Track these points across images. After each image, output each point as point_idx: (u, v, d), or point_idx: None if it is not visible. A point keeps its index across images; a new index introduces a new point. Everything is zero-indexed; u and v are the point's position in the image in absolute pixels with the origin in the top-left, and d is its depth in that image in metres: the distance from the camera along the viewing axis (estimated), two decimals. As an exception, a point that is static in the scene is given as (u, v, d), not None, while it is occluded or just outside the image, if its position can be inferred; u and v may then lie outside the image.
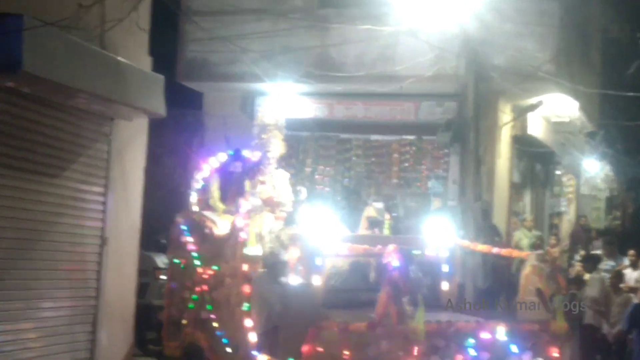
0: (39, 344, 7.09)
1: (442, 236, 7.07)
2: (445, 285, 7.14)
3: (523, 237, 13.54)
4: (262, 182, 7.50)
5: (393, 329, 5.71)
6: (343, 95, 12.84)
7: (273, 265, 6.92)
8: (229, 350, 6.93)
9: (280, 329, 6.57)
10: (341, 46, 12.40)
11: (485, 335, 5.82)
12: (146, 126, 8.57)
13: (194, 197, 7.96)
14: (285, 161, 8.41)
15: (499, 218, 13.14)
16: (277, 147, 7.70)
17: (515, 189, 14.55)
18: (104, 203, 7.92)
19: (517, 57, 11.65)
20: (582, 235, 15.98)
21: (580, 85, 13.01)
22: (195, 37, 12.97)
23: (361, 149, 13.54)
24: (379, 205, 8.93)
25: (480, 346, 5.78)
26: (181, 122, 14.27)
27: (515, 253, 7.61)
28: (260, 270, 6.98)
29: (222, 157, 8.07)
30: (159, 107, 8.08)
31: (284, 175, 7.79)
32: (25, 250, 6.98)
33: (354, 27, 11.82)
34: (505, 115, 13.28)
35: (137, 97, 7.67)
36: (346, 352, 5.81)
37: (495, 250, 7.42)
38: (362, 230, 8.03)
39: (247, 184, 7.66)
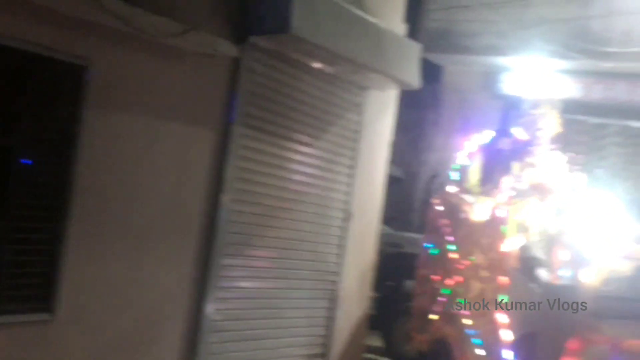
0: (280, 315, 7.48)
1: None
2: None
3: None
4: (532, 165, 7.32)
5: None
6: (603, 74, 12.29)
7: (525, 260, 6.72)
8: (480, 352, 6.81)
9: (538, 336, 6.34)
10: (606, 18, 11.85)
11: None
12: (396, 98, 8.72)
13: (453, 177, 7.98)
14: (562, 143, 8.13)
15: None
16: (551, 125, 7.47)
17: None
18: (350, 176, 8.17)
19: None
20: None
21: None
22: (439, 5, 13.00)
23: (619, 137, 12.93)
24: None
25: None
26: (417, 97, 14.40)
27: None
28: (516, 265, 6.80)
29: (487, 134, 8.00)
30: (414, 78, 8.16)
31: (560, 159, 7.55)
32: (273, 218, 7.36)
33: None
34: None
35: (394, 66, 7.79)
36: None
37: None
38: None
39: (514, 166, 7.53)
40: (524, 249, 6.71)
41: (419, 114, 14.33)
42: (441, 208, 7.81)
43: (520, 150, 7.57)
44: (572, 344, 5.63)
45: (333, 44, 6.89)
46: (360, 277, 8.52)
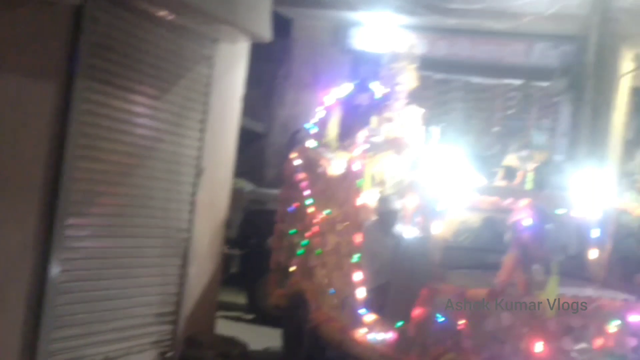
0: (131, 275, 7.27)
1: (594, 195, 6.43)
2: (593, 254, 6.60)
3: (633, 200, 13.23)
4: (389, 120, 7.33)
5: (517, 301, 5.25)
6: (447, 30, 12.62)
7: (384, 214, 6.75)
8: (334, 304, 6.80)
9: (390, 287, 6.37)
10: (450, -25, 12.15)
11: (634, 317, 5.25)
12: (247, 51, 8.57)
13: (312, 132, 7.91)
14: (418, 96, 8.17)
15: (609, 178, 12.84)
16: (409, 79, 7.45)
17: (629, 147, 14.18)
18: (201, 130, 7.98)
19: (650, -2, 11.26)
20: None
21: None
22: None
23: (462, 92, 13.38)
24: (524, 153, 8.58)
25: (627, 330, 5.20)
26: (267, 50, 14.26)
27: None
28: (373, 218, 6.86)
29: (346, 88, 7.96)
30: (265, 30, 8.06)
31: (416, 113, 7.58)
32: (121, 175, 7.09)
33: (467, -46, 11.58)
34: (627, 63, 12.86)
35: (245, 17, 7.65)
36: (461, 322, 5.46)
37: None
38: (499, 181, 7.84)
39: (373, 120, 7.56)
40: (381, 202, 6.77)
41: (273, 68, 14.21)
42: (299, 163, 7.76)
43: (378, 105, 7.61)
44: (422, 293, 5.68)
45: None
46: (213, 233, 8.40)
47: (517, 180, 7.95)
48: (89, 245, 6.74)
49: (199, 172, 7.99)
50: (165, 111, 7.48)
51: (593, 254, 6.66)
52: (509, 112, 13.29)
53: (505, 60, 12.86)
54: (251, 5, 7.77)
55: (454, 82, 13.30)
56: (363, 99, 7.96)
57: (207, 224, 8.23)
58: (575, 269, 6.39)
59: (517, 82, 13.22)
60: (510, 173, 8.11)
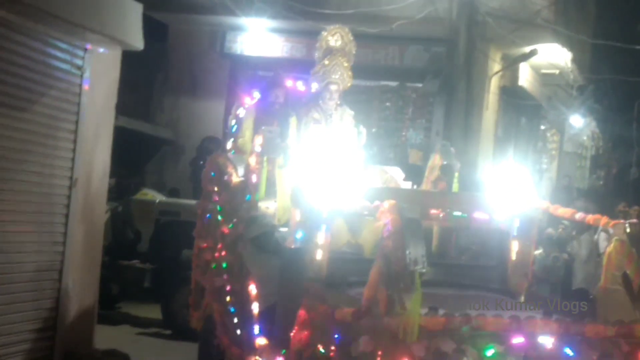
0: (3, 291, 7.10)
1: (511, 195, 5.56)
2: (511, 263, 5.75)
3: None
4: (317, 121, 6.71)
5: (378, 322, 4.36)
6: (323, 34, 12.83)
7: (256, 238, 5.98)
8: (236, 326, 6.10)
9: (276, 307, 5.54)
10: (324, -19, 12.41)
11: (519, 339, 4.26)
12: (119, 59, 8.48)
13: (227, 137, 7.35)
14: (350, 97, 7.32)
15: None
16: (343, 77, 6.85)
17: (499, 144, 14.86)
18: (74, 141, 7.87)
19: (513, 2, 11.85)
20: (563, 195, 16.42)
21: (575, 35, 13.28)
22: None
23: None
24: (452, 149, 6.97)
25: (513, 355, 4.29)
26: (143, 56, 14.12)
27: (603, 220, 5.47)
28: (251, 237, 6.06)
29: (260, 87, 7.21)
30: (137, 38, 8.02)
31: (348, 114, 7.00)
32: (-11, 190, 6.94)
33: (340, -39, 11.85)
34: (496, 64, 13.47)
35: (114, 26, 7.61)
36: (332, 348, 4.63)
37: (578, 215, 5.66)
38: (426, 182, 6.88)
39: (294, 121, 6.83)
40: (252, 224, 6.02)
41: (148, 73, 14.09)
42: (211, 171, 6.98)
43: (306, 105, 6.90)
44: (300, 314, 4.96)
45: (45, 2, 6.57)
46: (90, 245, 8.27)
47: (442, 183, 6.86)
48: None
49: (72, 183, 7.87)
50: (35, 122, 7.34)
51: (511, 262, 5.82)
52: (386, 113, 13.67)
53: (381, 63, 13.23)
54: (121, 13, 7.73)
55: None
56: (278, 96, 7.11)
57: (83, 235, 8.11)
58: (494, 282, 5.82)
59: (393, 83, 13.63)
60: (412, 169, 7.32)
